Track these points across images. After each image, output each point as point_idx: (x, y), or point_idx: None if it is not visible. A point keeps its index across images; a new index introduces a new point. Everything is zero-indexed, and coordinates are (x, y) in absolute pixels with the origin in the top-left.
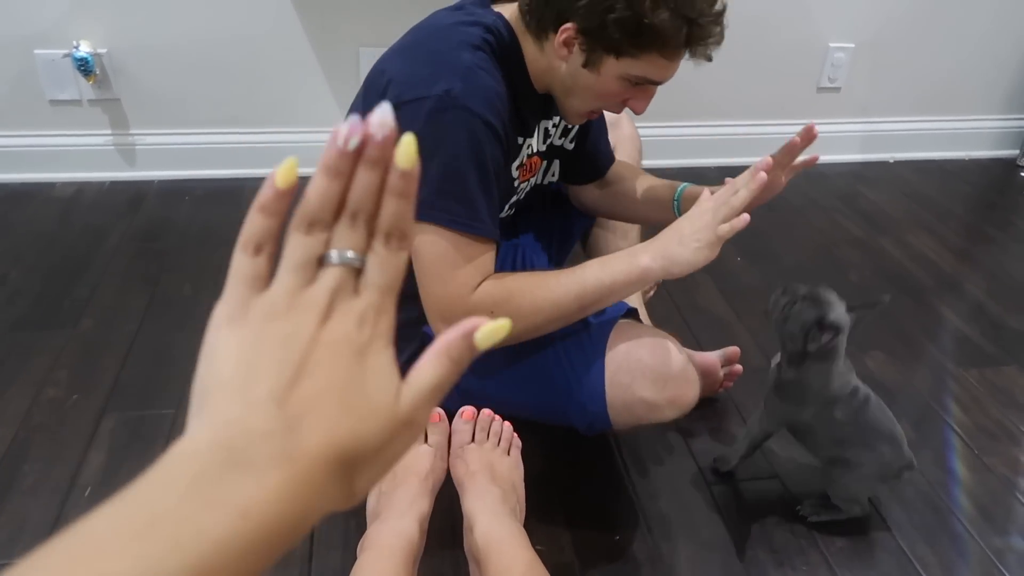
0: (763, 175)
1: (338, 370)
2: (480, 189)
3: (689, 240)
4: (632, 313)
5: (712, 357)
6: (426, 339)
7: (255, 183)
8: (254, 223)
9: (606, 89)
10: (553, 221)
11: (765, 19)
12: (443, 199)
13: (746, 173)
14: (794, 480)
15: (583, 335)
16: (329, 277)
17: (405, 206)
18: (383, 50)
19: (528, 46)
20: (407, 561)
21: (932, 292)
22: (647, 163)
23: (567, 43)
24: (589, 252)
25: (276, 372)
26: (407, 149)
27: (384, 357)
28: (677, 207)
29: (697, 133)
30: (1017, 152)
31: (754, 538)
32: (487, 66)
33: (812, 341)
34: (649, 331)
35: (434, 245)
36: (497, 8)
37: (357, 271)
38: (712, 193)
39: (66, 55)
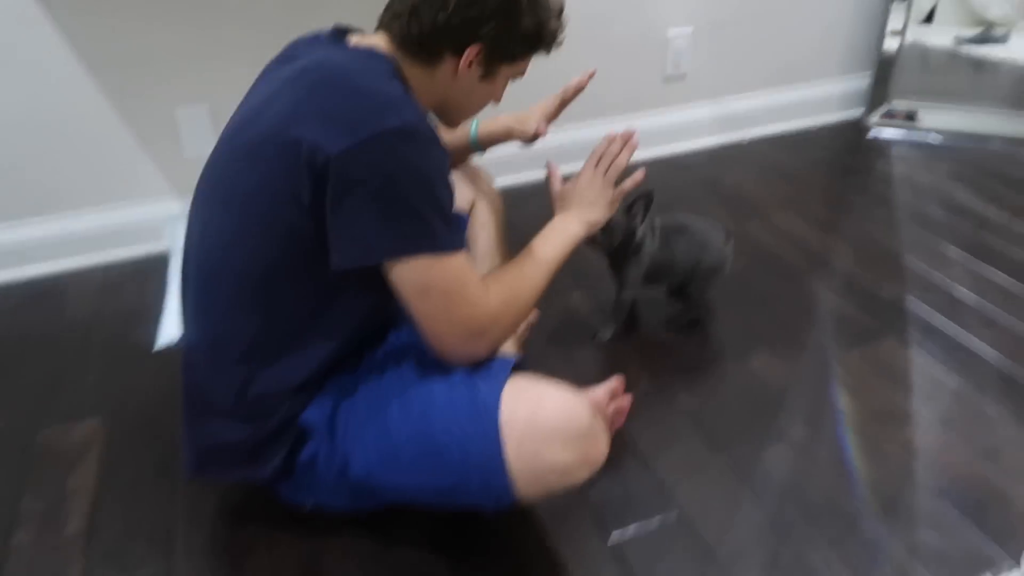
0: (635, 136)
1: None
2: (450, 207)
3: (599, 201)
4: (517, 366)
5: (599, 394)
6: (303, 434)
7: (81, 277)
8: None
9: (496, 91)
10: None
11: (603, 14)
12: (429, 227)
13: (609, 137)
14: (698, 511)
15: (471, 403)
16: None
17: None
18: (201, 107)
19: (411, 72)
20: None
21: (805, 272)
22: (508, 180)
23: (470, 63)
24: None
25: None
26: None
27: None
28: (474, 142)
29: (554, 141)
30: (862, 111)
31: None
32: (411, 98)
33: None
34: (543, 386)
35: (444, 272)
36: (357, 40)
37: None
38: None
39: None
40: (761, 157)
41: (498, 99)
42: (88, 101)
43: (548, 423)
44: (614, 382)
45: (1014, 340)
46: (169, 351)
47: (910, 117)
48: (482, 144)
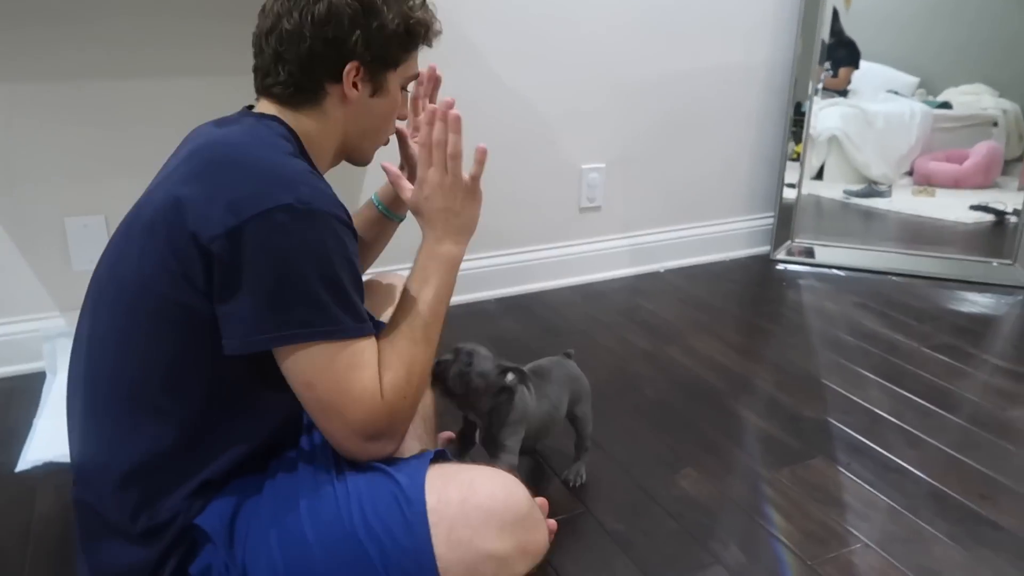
0: (455, 112)
1: None
2: (354, 289)
3: (459, 205)
4: (440, 455)
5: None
6: (196, 542)
7: None
8: None
9: (394, 104)
10: None
11: (520, 146)
12: (324, 312)
13: (424, 118)
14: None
15: (391, 493)
16: None
17: None
18: (95, 217)
19: (307, 126)
20: None
21: (727, 395)
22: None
23: (355, 83)
24: None
25: None
26: None
27: None
28: (384, 209)
29: (474, 267)
30: (768, 248)
31: None
32: (309, 168)
33: (505, 377)
34: (474, 470)
35: (332, 365)
36: (259, 110)
37: None
38: (402, 165)
39: None
40: (677, 287)
41: (403, 111)
42: None
43: (482, 507)
44: (537, 501)
45: (939, 460)
46: (32, 474)
47: (809, 254)
48: (388, 204)
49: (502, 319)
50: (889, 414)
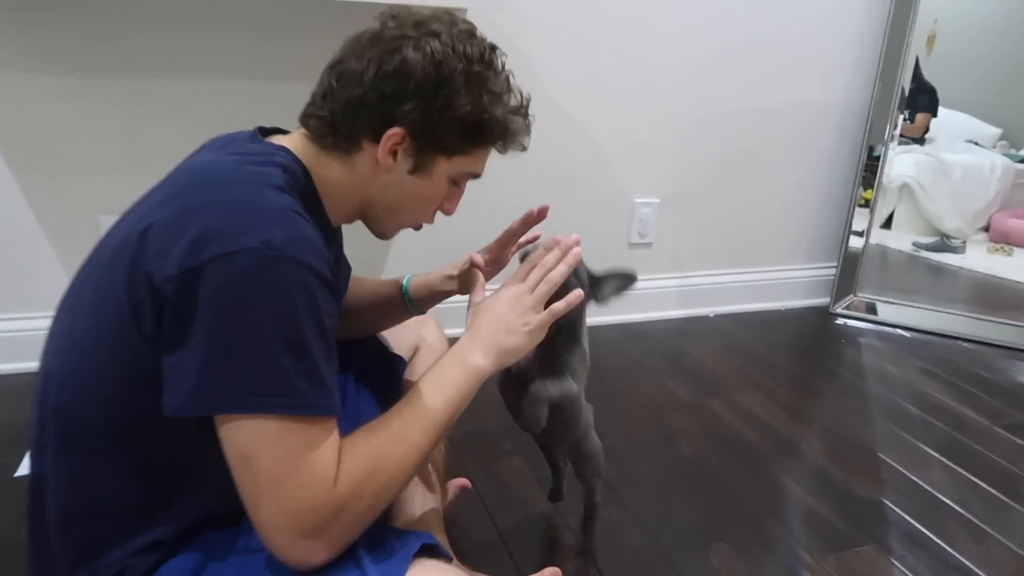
0: (577, 249)
1: None
2: (322, 356)
3: (518, 326)
4: (431, 550)
5: None
6: None
7: None
8: None
9: (436, 192)
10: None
11: (572, 175)
12: (281, 379)
13: (539, 248)
14: None
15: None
16: None
17: None
18: None
19: (329, 171)
20: None
21: (771, 460)
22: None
23: (393, 150)
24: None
25: None
26: None
27: None
28: (408, 299)
29: None
30: (828, 300)
31: None
32: (300, 210)
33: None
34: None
35: (280, 442)
36: (275, 140)
37: None
38: (459, 271)
39: None
40: (725, 333)
41: (443, 204)
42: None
43: None
44: (547, 573)
45: (1008, 560)
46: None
47: (872, 310)
48: (417, 298)
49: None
50: (952, 501)
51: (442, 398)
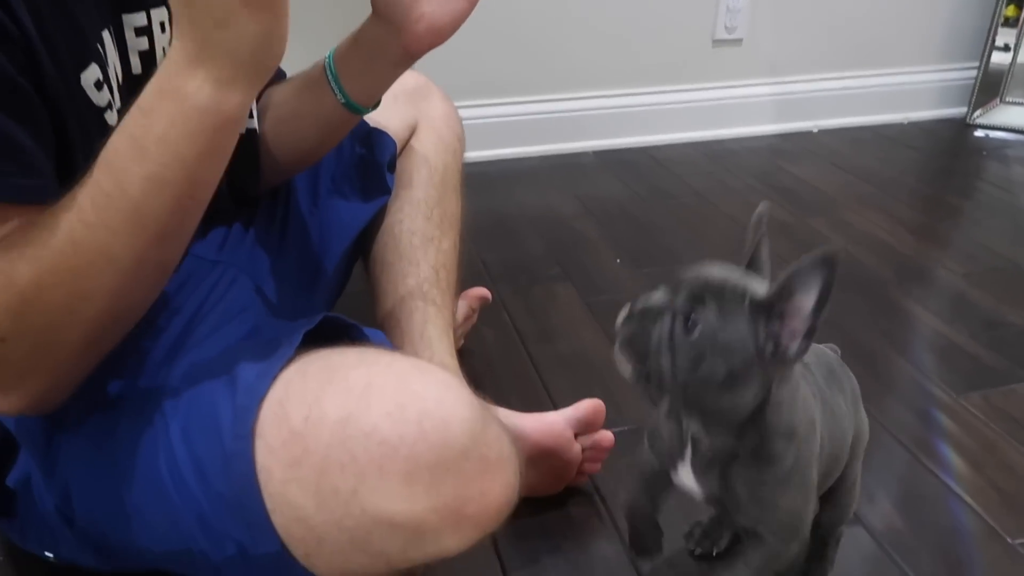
0: None
1: None
2: None
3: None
4: (350, 330)
5: (559, 421)
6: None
7: None
8: None
9: None
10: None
11: None
12: None
13: None
14: None
15: (215, 412)
16: None
17: None
18: None
19: None
20: None
21: (893, 285)
22: (496, 152)
23: None
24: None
25: None
26: None
27: None
28: (333, 75)
29: (566, 109)
30: (965, 109)
31: None
32: None
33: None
34: (377, 359)
35: None
36: None
37: None
38: None
39: None
40: (833, 151)
41: None
42: None
43: (376, 433)
44: (588, 405)
45: None
46: None
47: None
48: (345, 68)
49: (599, 175)
50: None
51: (144, 170)
